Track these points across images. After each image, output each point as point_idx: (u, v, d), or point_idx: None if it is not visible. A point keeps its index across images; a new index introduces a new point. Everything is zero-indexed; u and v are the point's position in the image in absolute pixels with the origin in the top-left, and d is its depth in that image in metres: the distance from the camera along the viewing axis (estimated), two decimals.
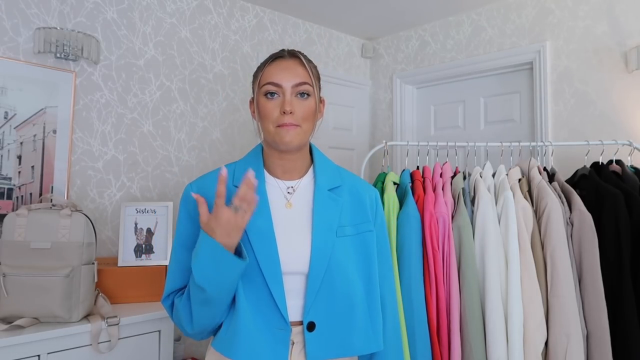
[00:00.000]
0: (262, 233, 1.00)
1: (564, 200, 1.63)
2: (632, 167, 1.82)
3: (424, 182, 1.72)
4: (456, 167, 1.85)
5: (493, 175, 1.74)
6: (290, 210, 1.05)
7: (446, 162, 1.81)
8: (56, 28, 2.01)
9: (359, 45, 3.35)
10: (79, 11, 2.12)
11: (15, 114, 1.92)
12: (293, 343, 0.99)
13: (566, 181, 1.77)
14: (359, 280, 1.04)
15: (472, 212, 1.63)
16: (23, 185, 1.94)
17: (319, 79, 1.09)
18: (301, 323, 1.00)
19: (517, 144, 1.84)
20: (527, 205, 1.60)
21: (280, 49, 1.10)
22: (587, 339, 1.51)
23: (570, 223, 1.59)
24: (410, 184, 1.72)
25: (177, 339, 2.29)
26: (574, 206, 1.60)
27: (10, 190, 1.91)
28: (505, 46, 2.64)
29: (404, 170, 1.80)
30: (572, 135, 2.34)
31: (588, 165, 1.82)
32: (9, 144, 1.91)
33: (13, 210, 1.90)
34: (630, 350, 1.50)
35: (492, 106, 2.80)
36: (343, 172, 1.14)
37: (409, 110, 3.20)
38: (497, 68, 2.70)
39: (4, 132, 1.90)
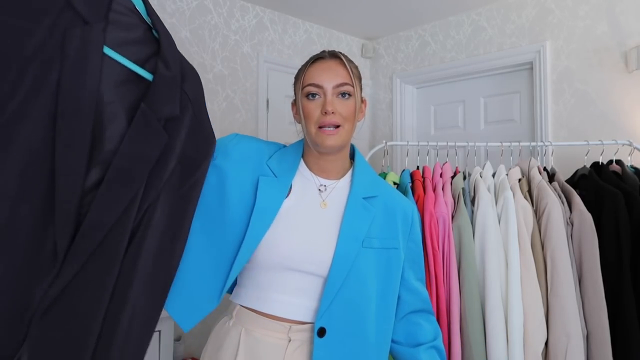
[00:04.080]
0: (263, 215, 0.99)
1: (564, 200, 1.63)
2: (632, 167, 1.81)
3: (424, 182, 1.71)
4: (456, 167, 1.85)
5: (493, 175, 1.74)
6: (324, 210, 1.04)
7: (446, 162, 1.81)
8: None
9: (359, 45, 3.35)
10: None
11: None
12: (290, 340, 0.98)
13: (566, 181, 1.77)
14: (374, 295, 1.02)
15: (472, 212, 1.63)
16: None
17: (359, 78, 1.07)
18: (307, 324, 0.99)
19: (517, 144, 1.84)
20: (527, 205, 1.60)
21: (322, 50, 1.11)
22: (587, 339, 1.51)
23: (570, 223, 1.59)
24: (410, 184, 1.72)
25: (177, 339, 2.29)
26: (574, 206, 1.60)
27: None
28: (505, 46, 2.64)
29: (404, 170, 1.80)
30: (572, 135, 2.34)
31: (588, 165, 1.82)
32: None
33: None
34: (630, 350, 1.50)
35: (492, 106, 2.80)
36: (381, 183, 1.12)
37: (409, 110, 3.20)
38: (497, 68, 2.70)
39: None
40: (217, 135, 0.95)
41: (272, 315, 1.00)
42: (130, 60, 0.81)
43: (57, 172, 0.71)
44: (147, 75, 0.83)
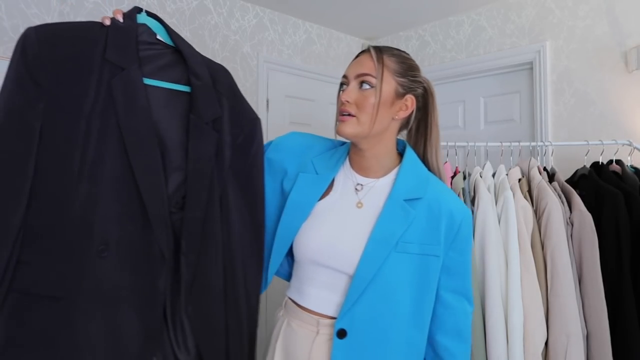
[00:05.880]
0: (295, 211, 1.04)
1: (564, 200, 1.63)
2: (632, 167, 1.81)
3: None
4: (456, 167, 1.85)
5: (493, 175, 1.74)
6: (360, 211, 1.03)
7: (446, 162, 1.80)
8: None
9: (359, 45, 3.35)
10: (79, 11, 2.12)
11: None
12: (318, 332, 1.00)
13: (566, 181, 1.77)
14: (408, 302, 0.98)
15: (472, 212, 1.63)
16: None
17: (398, 72, 1.04)
18: (332, 318, 0.99)
19: (517, 144, 1.84)
20: (527, 205, 1.60)
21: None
22: (587, 339, 1.51)
23: (570, 223, 1.59)
24: None
25: None
26: (574, 206, 1.60)
27: None
28: (505, 46, 2.64)
29: None
30: (572, 135, 2.34)
31: (588, 165, 1.82)
32: None
33: None
34: (630, 350, 1.50)
35: (492, 106, 2.80)
36: (431, 185, 1.04)
37: None
38: (497, 68, 2.70)
39: None
40: None
41: (305, 308, 1.03)
42: (168, 81, 0.97)
43: (143, 193, 0.87)
44: (186, 89, 0.99)
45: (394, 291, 0.97)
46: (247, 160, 1.05)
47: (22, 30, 1.98)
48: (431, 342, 1.04)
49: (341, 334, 0.96)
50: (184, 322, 0.93)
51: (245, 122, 1.06)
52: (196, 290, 0.94)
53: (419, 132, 1.13)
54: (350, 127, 1.00)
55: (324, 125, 3.05)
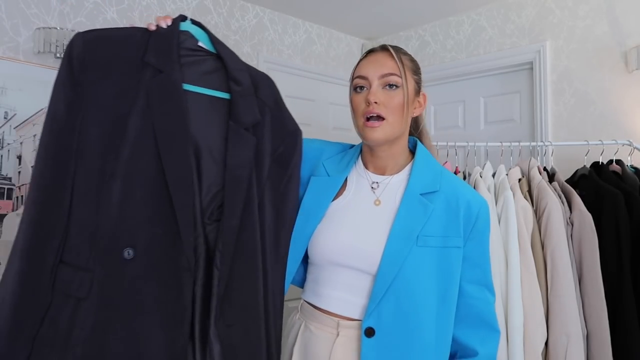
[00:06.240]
0: (309, 214, 1.03)
1: (564, 200, 1.63)
2: (632, 167, 1.81)
3: None
4: (456, 167, 1.85)
5: (493, 175, 1.74)
6: (378, 208, 1.02)
7: (446, 162, 1.80)
8: (56, 28, 2.01)
9: (359, 45, 3.35)
10: (79, 11, 2.12)
11: (15, 114, 1.92)
12: (338, 334, 0.99)
13: (566, 181, 1.77)
14: (434, 296, 0.97)
15: None
16: (23, 185, 1.94)
17: (414, 71, 1.05)
18: (355, 320, 0.98)
19: (517, 144, 1.84)
20: (527, 205, 1.60)
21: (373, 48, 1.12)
22: (587, 339, 1.51)
23: (570, 223, 1.59)
24: None
25: None
26: (574, 206, 1.60)
27: (10, 190, 1.91)
28: (505, 46, 2.64)
29: None
30: (572, 135, 2.34)
31: (588, 165, 1.82)
32: (9, 143, 1.91)
33: (13, 210, 1.90)
34: (630, 350, 1.50)
35: (492, 106, 2.80)
36: (446, 178, 1.05)
37: None
38: (497, 68, 2.70)
39: (4, 132, 1.90)
40: None
41: (324, 310, 1.02)
42: (209, 88, 0.97)
43: (173, 195, 0.85)
44: (226, 96, 0.98)
45: (418, 286, 0.96)
46: (286, 172, 1.02)
47: (22, 30, 1.99)
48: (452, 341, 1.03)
49: (369, 332, 0.95)
50: (213, 344, 0.87)
51: (287, 133, 1.04)
52: (228, 306, 0.89)
53: (413, 128, 1.16)
54: (382, 133, 1.00)
55: (324, 126, 3.05)
